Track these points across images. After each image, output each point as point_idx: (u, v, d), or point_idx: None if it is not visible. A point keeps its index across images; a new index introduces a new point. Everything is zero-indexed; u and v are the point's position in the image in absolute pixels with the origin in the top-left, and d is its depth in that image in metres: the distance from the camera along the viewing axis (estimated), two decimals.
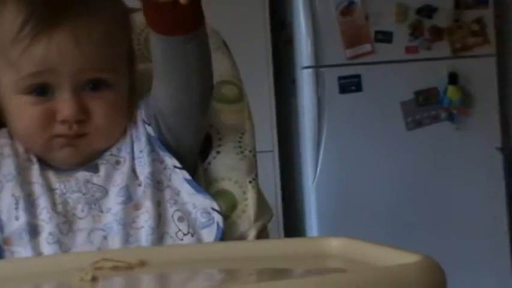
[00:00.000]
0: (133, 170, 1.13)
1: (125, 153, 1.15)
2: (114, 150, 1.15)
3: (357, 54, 3.24)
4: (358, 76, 3.24)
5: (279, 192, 3.27)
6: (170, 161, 1.14)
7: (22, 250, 1.06)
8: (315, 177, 3.23)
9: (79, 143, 1.12)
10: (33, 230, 1.07)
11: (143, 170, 1.13)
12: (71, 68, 1.09)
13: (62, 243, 1.07)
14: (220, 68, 1.25)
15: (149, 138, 1.15)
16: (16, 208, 1.09)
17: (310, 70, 3.23)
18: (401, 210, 3.21)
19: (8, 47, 1.10)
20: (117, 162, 1.14)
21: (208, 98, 1.14)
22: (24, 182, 1.11)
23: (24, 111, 1.11)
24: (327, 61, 3.23)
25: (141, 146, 1.15)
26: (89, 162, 1.15)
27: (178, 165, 1.14)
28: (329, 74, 3.23)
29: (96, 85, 1.12)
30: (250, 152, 1.20)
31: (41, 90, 1.10)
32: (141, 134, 1.15)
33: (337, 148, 3.23)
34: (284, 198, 3.30)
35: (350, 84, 3.23)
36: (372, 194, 3.22)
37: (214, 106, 1.22)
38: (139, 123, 1.16)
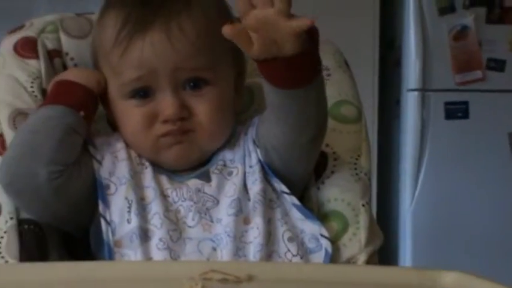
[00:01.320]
0: (244, 184, 1.13)
1: (238, 164, 1.14)
2: (227, 160, 1.15)
3: (466, 81, 3.17)
4: (465, 103, 3.16)
5: (375, 213, 3.22)
6: (278, 185, 1.13)
7: (132, 253, 1.07)
8: (412, 201, 3.18)
9: (186, 140, 1.12)
10: (144, 235, 1.08)
11: (253, 186, 1.12)
12: (167, 66, 1.10)
13: (172, 250, 1.06)
14: (340, 87, 1.24)
15: (258, 159, 1.14)
16: (129, 211, 1.09)
17: (416, 93, 3.18)
18: (501, 243, 3.12)
19: (109, 53, 1.13)
20: (230, 173, 1.14)
21: (322, 134, 1.12)
22: (137, 186, 1.12)
23: (129, 114, 1.13)
24: (434, 85, 3.17)
25: (251, 162, 1.14)
26: (199, 166, 1.15)
27: (286, 190, 1.13)
28: (435, 98, 3.17)
29: (196, 83, 1.12)
30: (365, 175, 1.18)
31: (143, 93, 1.12)
32: (251, 151, 1.15)
33: (438, 174, 3.16)
34: (379, 221, 3.25)
35: (457, 111, 3.17)
36: (471, 224, 3.14)
37: (332, 125, 1.20)
38: (250, 140, 1.16)
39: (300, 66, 1.00)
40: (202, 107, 1.12)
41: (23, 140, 1.10)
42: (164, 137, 1.12)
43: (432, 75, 3.16)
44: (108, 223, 1.09)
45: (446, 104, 3.16)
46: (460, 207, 3.15)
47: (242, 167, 1.14)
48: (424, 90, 3.17)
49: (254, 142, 1.15)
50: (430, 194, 3.17)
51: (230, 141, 1.17)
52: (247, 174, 1.13)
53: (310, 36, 1.00)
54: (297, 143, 1.10)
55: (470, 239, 3.12)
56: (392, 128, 3.30)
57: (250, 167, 1.14)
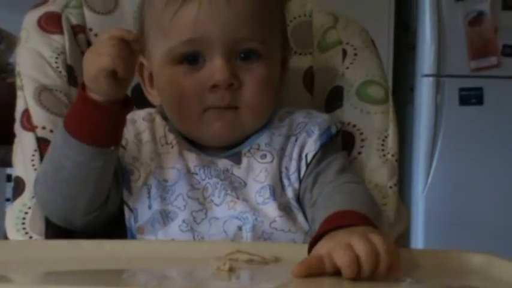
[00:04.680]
0: (280, 176, 1.10)
1: (273, 151, 1.11)
2: (262, 143, 1.12)
3: (481, 67, 3.15)
4: (480, 89, 3.15)
5: None
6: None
7: (154, 238, 1.05)
8: (425, 187, 3.17)
9: (230, 116, 1.09)
10: (166, 217, 1.06)
11: (289, 189, 1.10)
12: (223, 29, 1.06)
13: (195, 231, 1.05)
14: (367, 66, 1.22)
15: (299, 179, 1.11)
16: (148, 197, 1.08)
17: (430, 79, 3.17)
18: None
19: (160, 14, 1.08)
20: (263, 157, 1.11)
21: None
22: (160, 167, 1.10)
23: (177, 82, 1.09)
24: (449, 71, 3.16)
25: (289, 170, 1.11)
26: (232, 145, 1.12)
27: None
28: (450, 84, 3.16)
29: (248, 55, 1.09)
30: (392, 156, 1.16)
31: (193, 58, 1.08)
32: (294, 161, 1.11)
33: (452, 160, 3.15)
34: None
35: (471, 97, 3.15)
36: (483, 211, 3.13)
37: (359, 106, 1.19)
38: (297, 151, 1.11)
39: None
40: (251, 81, 1.08)
41: (56, 189, 1.05)
42: (210, 110, 1.08)
43: (447, 60, 3.15)
44: (131, 210, 1.08)
45: (461, 90, 3.15)
46: (472, 194, 3.15)
47: (278, 159, 1.11)
48: (438, 76, 3.15)
49: (300, 159, 1.11)
50: (443, 180, 3.16)
51: (268, 125, 1.14)
52: (282, 174, 1.10)
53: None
54: None
55: (482, 225, 3.11)
56: (406, 114, 3.28)
57: (287, 169, 1.11)
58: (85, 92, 1.01)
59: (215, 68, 1.07)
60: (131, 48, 0.98)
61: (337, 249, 0.81)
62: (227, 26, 1.06)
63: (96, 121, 1.02)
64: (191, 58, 1.08)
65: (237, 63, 1.08)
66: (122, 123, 1.06)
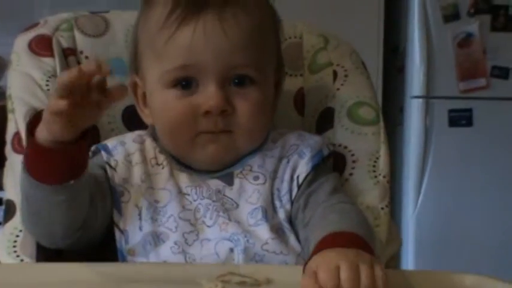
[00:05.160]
0: (271, 197, 1.10)
1: (266, 172, 1.11)
2: (255, 165, 1.11)
3: (470, 88, 3.16)
4: (469, 110, 3.16)
5: None
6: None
7: (145, 260, 1.05)
8: (415, 208, 3.17)
9: (223, 140, 1.08)
10: (157, 238, 1.05)
11: (280, 210, 1.09)
12: (217, 61, 1.05)
13: (187, 253, 1.04)
14: (358, 88, 1.23)
15: (291, 201, 1.10)
16: (139, 218, 1.07)
17: (420, 100, 3.18)
18: (504, 251, 3.12)
19: (155, 37, 1.07)
20: (255, 178, 1.10)
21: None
22: (151, 188, 1.09)
23: (170, 106, 1.07)
24: (438, 92, 3.17)
25: (281, 191, 1.10)
26: (224, 166, 1.11)
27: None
28: (439, 105, 3.17)
29: (241, 81, 1.07)
30: (384, 177, 1.16)
31: (186, 83, 1.07)
32: (285, 183, 1.11)
33: (441, 181, 3.16)
34: None
35: (460, 118, 3.16)
36: (475, 231, 3.14)
37: (350, 127, 1.19)
38: (289, 172, 1.11)
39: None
40: (244, 106, 1.07)
41: (31, 219, 1.05)
42: (203, 134, 1.07)
43: (436, 82, 3.16)
44: (121, 232, 1.07)
45: (450, 111, 3.16)
46: (463, 215, 3.15)
47: (270, 181, 1.10)
48: (428, 97, 3.17)
49: (292, 180, 1.11)
50: (433, 201, 3.16)
51: (261, 146, 1.13)
52: (274, 195, 1.10)
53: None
54: None
55: (473, 246, 3.12)
56: (395, 135, 3.29)
57: (278, 190, 1.10)
58: (34, 138, 0.96)
59: (208, 94, 1.06)
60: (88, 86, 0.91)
61: (324, 270, 0.83)
62: (221, 53, 1.05)
63: (51, 163, 0.97)
64: (184, 82, 1.07)
65: (230, 88, 1.07)
66: (80, 156, 1.00)
